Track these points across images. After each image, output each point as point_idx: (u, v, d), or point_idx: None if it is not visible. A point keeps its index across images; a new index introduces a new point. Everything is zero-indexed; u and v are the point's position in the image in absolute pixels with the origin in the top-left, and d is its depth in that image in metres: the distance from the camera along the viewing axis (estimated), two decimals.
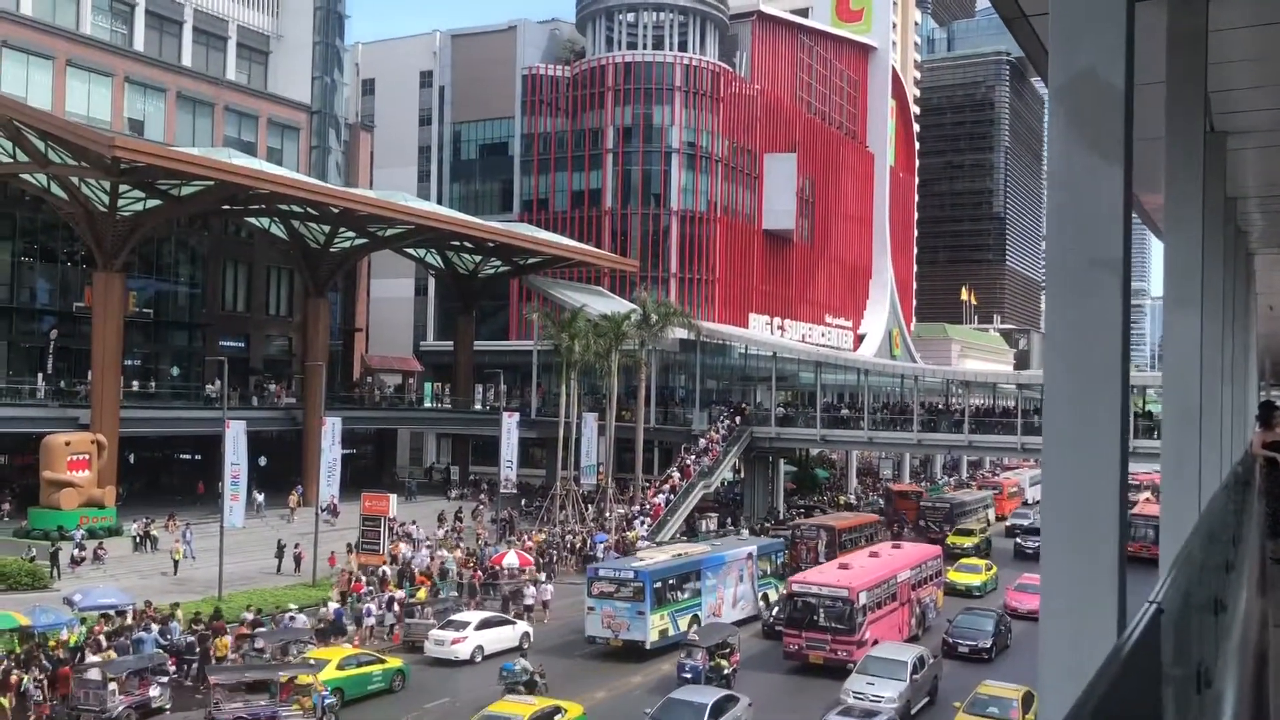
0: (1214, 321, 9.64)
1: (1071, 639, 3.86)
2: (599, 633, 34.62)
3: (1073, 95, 4.01)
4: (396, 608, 36.56)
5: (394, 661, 31.01)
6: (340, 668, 28.98)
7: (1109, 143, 3.91)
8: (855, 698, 27.50)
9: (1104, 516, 3.83)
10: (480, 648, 33.21)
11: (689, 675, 29.74)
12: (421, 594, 38.96)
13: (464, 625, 33.81)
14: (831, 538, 48.14)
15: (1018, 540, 57.44)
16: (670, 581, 35.76)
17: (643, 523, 53.87)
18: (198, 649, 30.83)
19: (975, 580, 46.40)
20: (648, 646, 33.90)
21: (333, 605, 35.83)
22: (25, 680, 26.86)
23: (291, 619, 34.17)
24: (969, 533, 56.18)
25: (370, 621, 35.61)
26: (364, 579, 40.12)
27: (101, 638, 30.09)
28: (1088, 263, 3.93)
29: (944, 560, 44.18)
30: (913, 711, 28.60)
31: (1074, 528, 3.94)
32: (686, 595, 36.36)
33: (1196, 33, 7.29)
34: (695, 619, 35.81)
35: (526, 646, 34.35)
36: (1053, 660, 3.96)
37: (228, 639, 31.19)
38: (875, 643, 32.16)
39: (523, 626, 35.56)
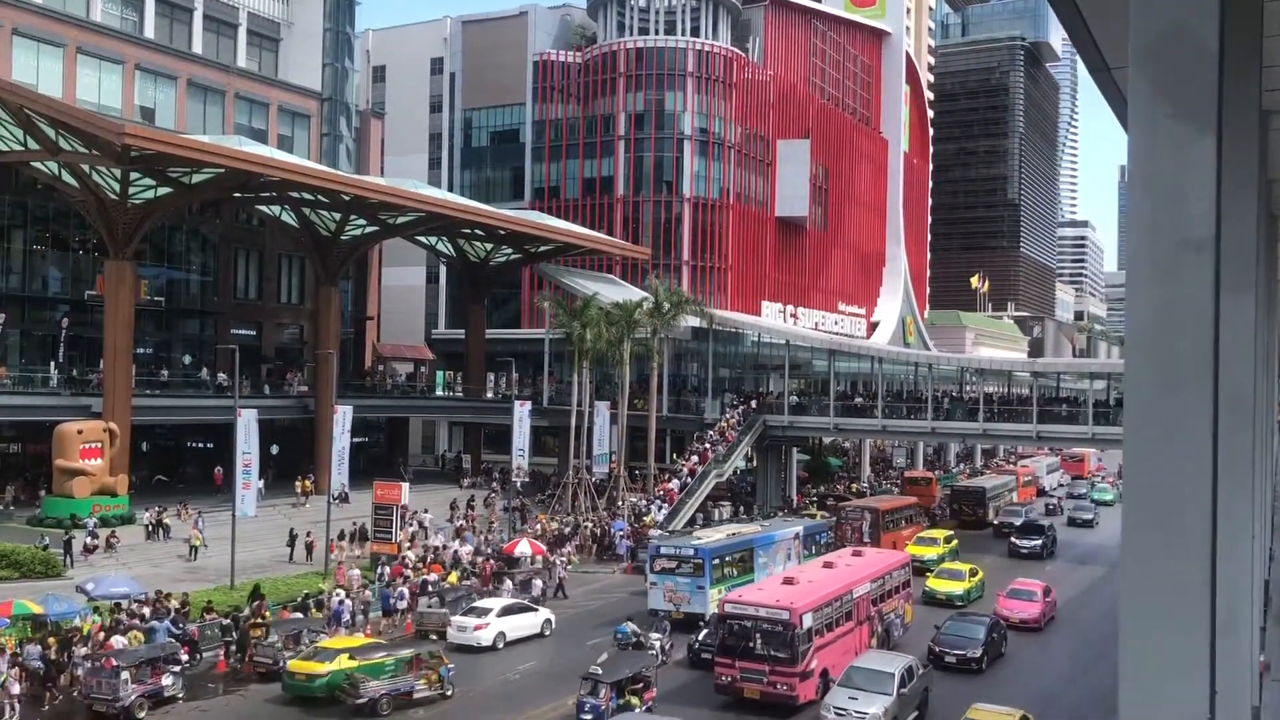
0: (1259, 310, 9.27)
1: (1157, 644, 3.55)
2: (661, 606, 36.33)
3: (1158, 57, 3.63)
4: (408, 597, 36.39)
5: (407, 653, 30.39)
6: (353, 657, 28.61)
7: (1200, 111, 3.56)
8: (837, 714, 25.28)
9: (1193, 518, 3.50)
10: (502, 634, 33.50)
11: (588, 717, 25.06)
12: (453, 578, 39.22)
13: (486, 612, 33.89)
14: (875, 519, 49.52)
15: (1012, 540, 53.07)
16: (727, 559, 38.16)
17: (659, 508, 53.75)
18: (235, 631, 31.12)
19: (957, 588, 41.20)
20: (707, 618, 34.62)
21: (336, 598, 35.49)
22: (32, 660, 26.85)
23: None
24: (932, 542, 48.30)
25: (403, 605, 35.67)
26: (345, 564, 39.78)
27: (123, 620, 30.06)
28: (1175, 244, 3.58)
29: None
30: None
31: (1159, 529, 3.61)
32: (740, 572, 38.27)
33: (1253, 2, 6.89)
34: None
35: (549, 633, 34.76)
36: (1136, 661, 3.63)
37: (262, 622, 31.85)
38: (824, 673, 28.13)
39: (545, 613, 35.66)
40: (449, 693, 28.47)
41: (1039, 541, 52.47)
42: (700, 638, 31.96)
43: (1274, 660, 10.40)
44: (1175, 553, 3.57)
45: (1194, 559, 3.56)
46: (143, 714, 26.35)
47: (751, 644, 27.56)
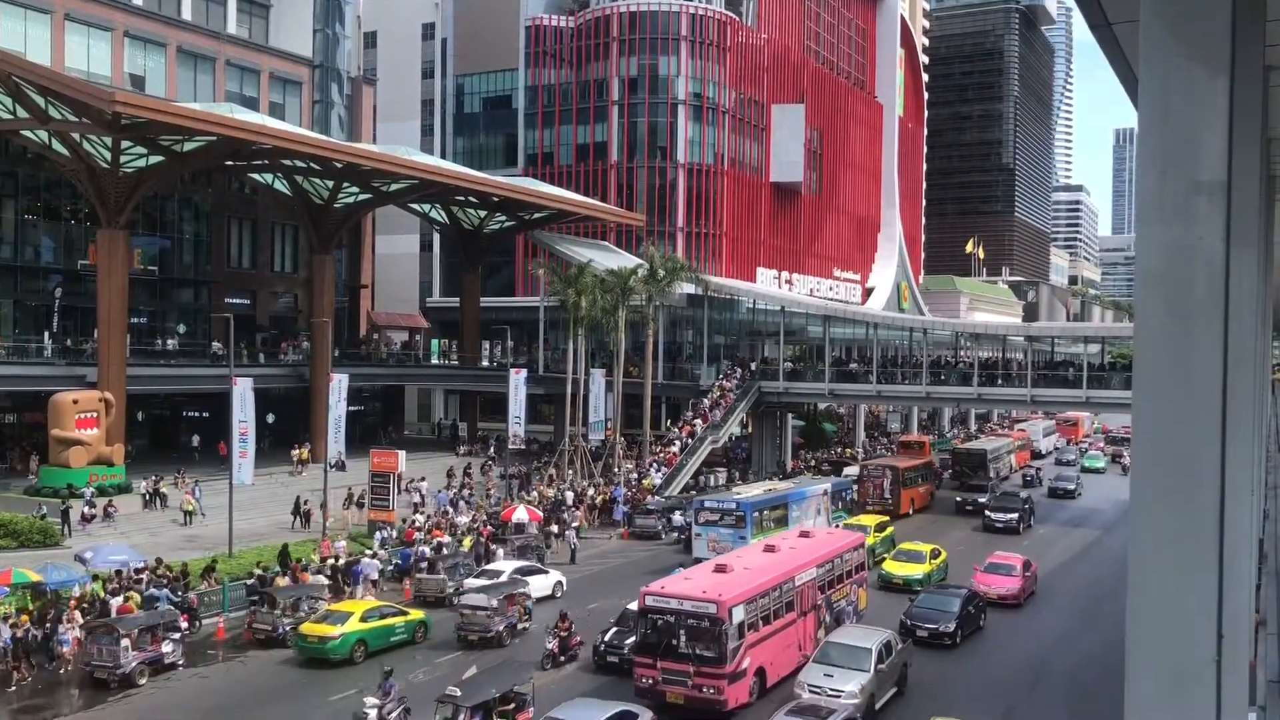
0: (1260, 265, 9.26)
1: (1169, 595, 3.55)
2: (705, 554, 37.59)
3: None
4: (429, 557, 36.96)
5: (416, 614, 31.21)
6: (363, 619, 29.14)
7: (1213, 51, 3.52)
8: (811, 692, 23.79)
9: (1203, 462, 3.49)
10: None
11: None
12: (467, 542, 39.77)
13: (498, 575, 34.28)
14: (895, 476, 52.40)
15: (986, 515, 49.68)
16: (765, 511, 40.37)
17: (658, 471, 54.03)
18: (260, 590, 32.12)
19: (916, 571, 37.69)
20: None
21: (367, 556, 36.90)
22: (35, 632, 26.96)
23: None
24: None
25: (424, 566, 36.08)
26: (330, 536, 39.96)
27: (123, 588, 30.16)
28: (1187, 187, 3.55)
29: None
30: (878, 706, 24.72)
31: (1169, 474, 3.60)
32: (777, 524, 40.17)
33: None
34: None
35: (560, 595, 35.17)
36: (1146, 611, 3.64)
37: (285, 580, 33.32)
38: (759, 672, 25.41)
39: (555, 575, 36.16)
40: (530, 625, 31.33)
41: (1014, 515, 48.92)
42: (607, 637, 28.02)
43: (1269, 615, 10.50)
44: (1186, 497, 3.56)
45: (1204, 504, 3.55)
46: (143, 681, 26.48)
47: (675, 641, 24.39)
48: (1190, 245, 3.58)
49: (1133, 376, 3.90)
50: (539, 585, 34.77)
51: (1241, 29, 7.23)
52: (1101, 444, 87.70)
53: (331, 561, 36.07)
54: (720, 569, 27.11)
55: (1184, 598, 3.59)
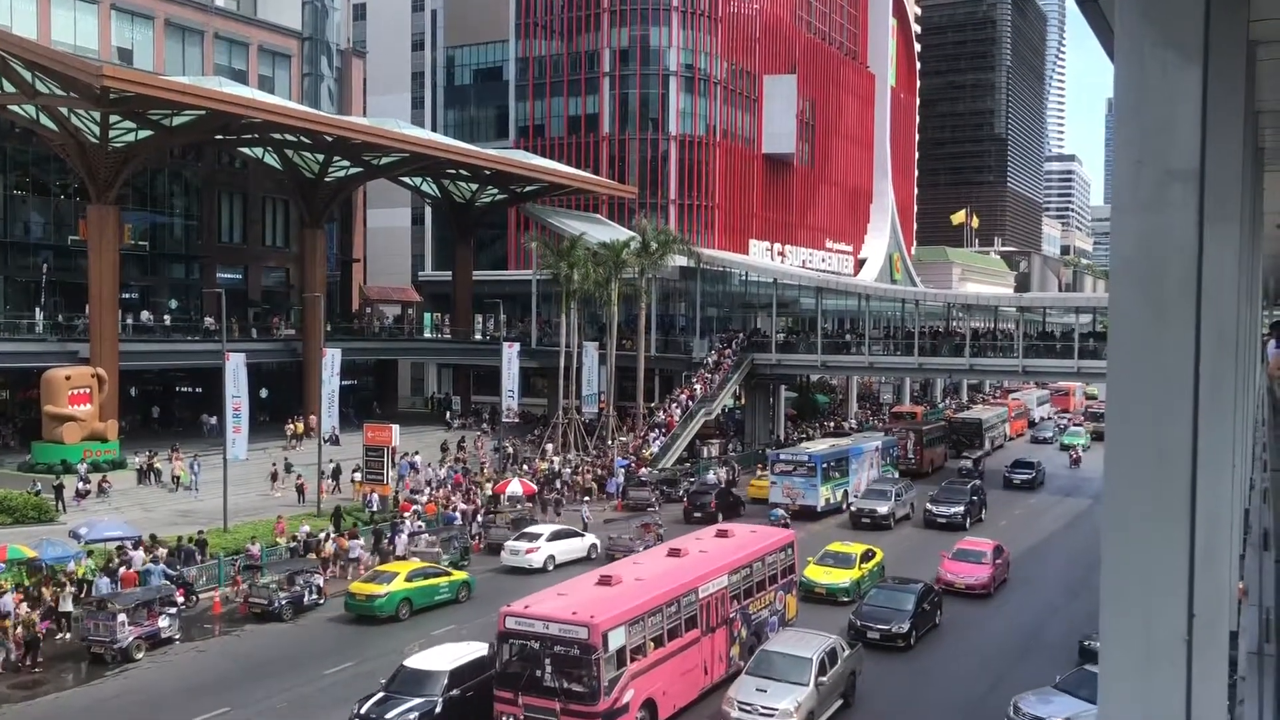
0: (1242, 240, 9.32)
1: (1139, 575, 3.64)
2: (780, 500, 44.77)
3: None
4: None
5: (459, 574, 32.63)
6: (409, 579, 30.59)
7: (1186, 39, 3.57)
8: (741, 709, 21.18)
9: (1176, 447, 3.58)
10: (552, 557, 36.04)
11: None
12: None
13: (537, 537, 36.57)
14: (918, 437, 58.07)
15: (928, 509, 44.29)
16: (831, 464, 46.50)
17: (657, 439, 54.98)
18: (305, 554, 34.45)
19: (841, 579, 32.11)
20: (819, 510, 44.98)
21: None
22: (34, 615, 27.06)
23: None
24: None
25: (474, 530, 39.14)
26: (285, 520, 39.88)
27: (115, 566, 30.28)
28: (1161, 174, 3.61)
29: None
30: None
31: (1142, 456, 3.69)
32: (840, 475, 47.12)
33: None
34: (845, 493, 46.80)
35: (595, 556, 36.69)
36: (1120, 599, 3.74)
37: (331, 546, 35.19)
38: (648, 703, 21.68)
39: (590, 538, 38.07)
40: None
41: (959, 509, 43.73)
42: (364, 709, 21.33)
43: (1251, 586, 10.65)
44: (1156, 480, 3.65)
45: (1174, 486, 3.64)
46: (140, 655, 26.67)
47: (540, 672, 20.63)
48: (1163, 232, 3.64)
49: (1107, 361, 3.97)
50: (575, 547, 37.10)
51: (1221, 6, 7.25)
52: (1083, 419, 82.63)
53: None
54: (605, 580, 23.26)
55: (1155, 577, 3.69)
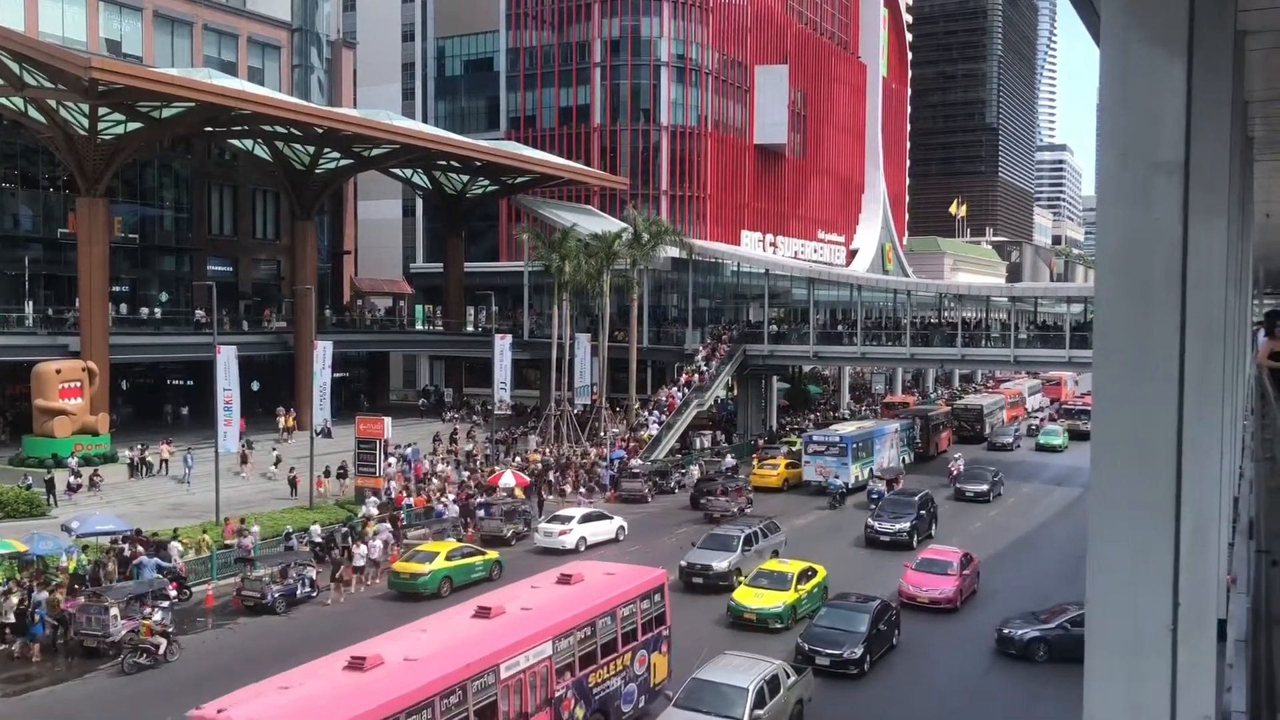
0: (1231, 230, 9.34)
1: (1125, 564, 3.68)
2: (814, 478, 49.05)
3: None
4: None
5: (491, 554, 34.55)
6: (448, 558, 32.48)
7: (1171, 34, 3.59)
8: None
9: (1161, 437, 3.61)
10: (583, 538, 37.81)
11: None
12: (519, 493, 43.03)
13: (569, 519, 38.34)
14: (925, 423, 61.22)
15: (869, 525, 38.84)
16: (859, 444, 50.02)
17: (658, 420, 55.80)
18: (334, 542, 35.22)
19: (774, 603, 28.32)
20: (849, 487, 47.71)
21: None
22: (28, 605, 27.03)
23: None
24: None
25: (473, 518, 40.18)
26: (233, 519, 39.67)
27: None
28: (1146, 167, 3.64)
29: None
30: None
31: (1127, 448, 3.72)
32: (867, 454, 50.67)
33: None
34: (871, 471, 49.53)
35: (622, 538, 38.87)
36: (1106, 588, 3.77)
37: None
38: None
39: (619, 520, 39.83)
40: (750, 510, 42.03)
41: (905, 526, 38.40)
42: None
43: (1239, 575, 10.69)
44: (1141, 471, 3.68)
45: (1159, 477, 3.67)
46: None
47: None
48: (1148, 226, 3.67)
49: (1093, 354, 4.00)
50: (605, 529, 38.90)
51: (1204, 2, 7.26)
52: (1058, 415, 77.17)
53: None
54: (355, 665, 16.85)
55: (1140, 565, 3.72)
